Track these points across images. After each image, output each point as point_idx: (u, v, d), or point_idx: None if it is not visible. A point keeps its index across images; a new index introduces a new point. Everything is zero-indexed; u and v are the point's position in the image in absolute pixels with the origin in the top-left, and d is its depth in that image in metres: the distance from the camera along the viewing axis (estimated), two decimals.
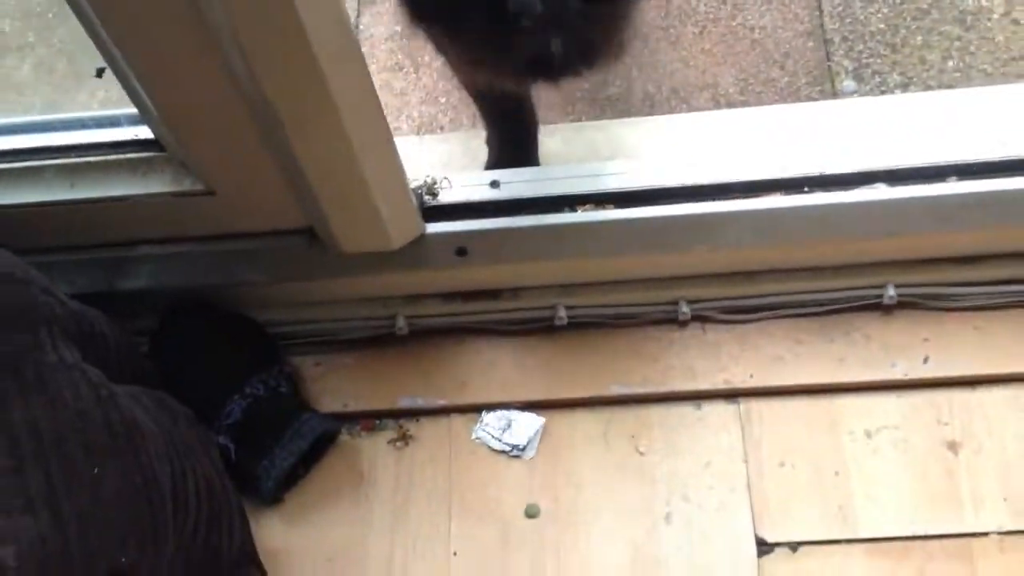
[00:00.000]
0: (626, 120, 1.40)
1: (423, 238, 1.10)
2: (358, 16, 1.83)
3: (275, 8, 0.76)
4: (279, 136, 0.91)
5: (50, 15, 1.90)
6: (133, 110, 0.97)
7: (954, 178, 1.04)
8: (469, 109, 1.69)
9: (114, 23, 0.82)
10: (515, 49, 1.07)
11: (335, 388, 1.20)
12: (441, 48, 1.23)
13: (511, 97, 1.36)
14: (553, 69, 1.11)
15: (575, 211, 1.09)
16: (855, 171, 1.06)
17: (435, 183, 1.12)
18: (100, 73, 0.95)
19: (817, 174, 1.07)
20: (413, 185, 1.09)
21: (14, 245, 0.93)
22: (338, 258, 1.10)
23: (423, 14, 1.09)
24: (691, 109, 1.69)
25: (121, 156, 1.02)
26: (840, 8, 1.74)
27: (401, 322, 1.19)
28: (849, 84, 1.67)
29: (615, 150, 1.28)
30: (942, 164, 1.04)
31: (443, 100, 1.75)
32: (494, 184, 1.12)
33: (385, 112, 0.94)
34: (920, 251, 1.12)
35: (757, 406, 1.16)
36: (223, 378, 1.13)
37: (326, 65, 0.83)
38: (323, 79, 0.84)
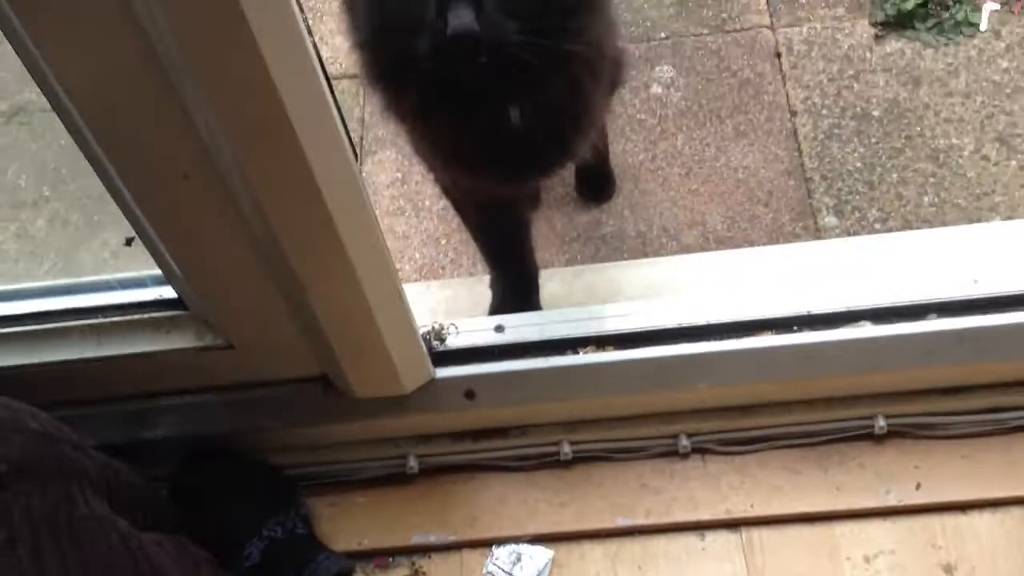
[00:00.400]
0: (621, 263, 1.48)
1: (433, 382, 1.15)
2: (360, 164, 1.92)
3: (295, 177, 0.84)
4: (298, 293, 0.97)
5: (64, 170, 1.99)
6: (157, 271, 1.04)
7: (934, 315, 1.11)
8: (469, 250, 1.77)
9: (144, 197, 0.90)
10: (475, 115, 1.13)
11: (349, 527, 1.23)
12: (414, 142, 1.30)
13: (508, 226, 1.42)
14: (521, 149, 1.17)
15: (577, 353, 1.15)
16: (840, 310, 1.13)
17: (443, 329, 1.18)
18: (129, 242, 1.02)
19: (805, 313, 1.13)
20: (422, 331, 1.15)
21: (43, 400, 0.98)
22: (351, 403, 1.15)
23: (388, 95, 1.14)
24: (681, 246, 1.77)
25: (146, 315, 1.08)
26: (818, 148, 1.84)
27: (412, 461, 1.23)
28: (831, 220, 1.75)
29: (612, 292, 1.35)
30: (922, 302, 1.11)
31: (444, 242, 1.83)
32: (499, 329, 1.18)
33: None
34: (906, 383, 1.17)
35: (759, 534, 1.19)
36: (242, 521, 1.16)
37: (343, 228, 0.90)
38: (340, 241, 0.91)
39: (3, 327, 1.07)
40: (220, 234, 0.93)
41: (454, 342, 1.17)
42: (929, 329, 1.10)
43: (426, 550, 1.23)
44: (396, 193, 1.91)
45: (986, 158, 1.78)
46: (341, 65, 2.09)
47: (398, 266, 1.76)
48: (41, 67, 0.78)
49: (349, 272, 0.94)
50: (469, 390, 1.15)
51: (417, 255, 1.83)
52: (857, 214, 1.76)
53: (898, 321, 1.10)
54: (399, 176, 1.92)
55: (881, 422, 1.19)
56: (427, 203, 1.87)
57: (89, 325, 1.07)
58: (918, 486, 1.19)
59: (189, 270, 0.97)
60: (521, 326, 1.18)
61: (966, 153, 1.79)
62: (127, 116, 0.82)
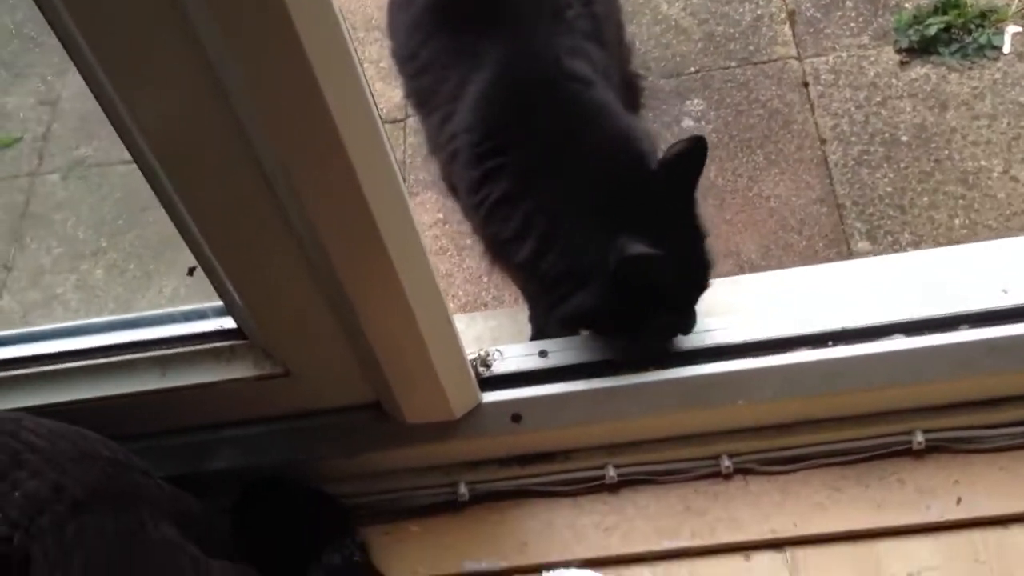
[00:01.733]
0: None
1: (480, 407, 1.19)
2: None
3: (350, 206, 0.89)
4: (353, 321, 1.02)
5: (120, 221, 2.06)
6: (218, 303, 1.09)
7: (965, 326, 1.13)
8: (511, 285, 1.81)
9: (211, 232, 0.95)
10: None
11: (403, 555, 1.26)
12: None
13: None
14: None
15: (618, 374, 1.19)
16: (873, 324, 1.16)
17: (488, 355, 1.22)
18: (191, 272, 1.07)
19: (839, 328, 1.16)
20: (468, 358, 1.19)
21: (109, 433, 1.03)
22: (403, 429, 1.19)
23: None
24: (716, 275, 1.80)
25: (207, 346, 1.13)
26: (849, 175, 1.87)
27: (463, 488, 1.26)
28: (863, 245, 1.78)
29: None
30: (952, 314, 1.14)
31: (486, 280, 1.88)
32: (543, 354, 1.22)
33: None
34: (942, 397, 1.20)
35: (803, 553, 1.21)
36: (301, 550, 1.20)
37: (395, 256, 0.95)
38: (393, 268, 0.96)
39: (72, 361, 1.12)
40: (280, 264, 0.98)
41: (499, 368, 1.22)
42: (960, 340, 1.12)
43: None
44: (438, 233, 1.96)
45: (1015, 179, 1.81)
46: (383, 110, 2.16)
47: None
48: (120, 113, 0.84)
49: (401, 298, 0.99)
50: (515, 413, 1.19)
51: (460, 292, 1.88)
52: (890, 238, 1.78)
53: (930, 333, 1.13)
54: (440, 216, 1.97)
55: (919, 437, 1.21)
56: (468, 242, 1.92)
57: (153, 357, 1.12)
58: (959, 501, 1.20)
59: (249, 299, 1.03)
60: (564, 350, 1.22)
61: (995, 174, 1.82)
62: (197, 152, 0.87)
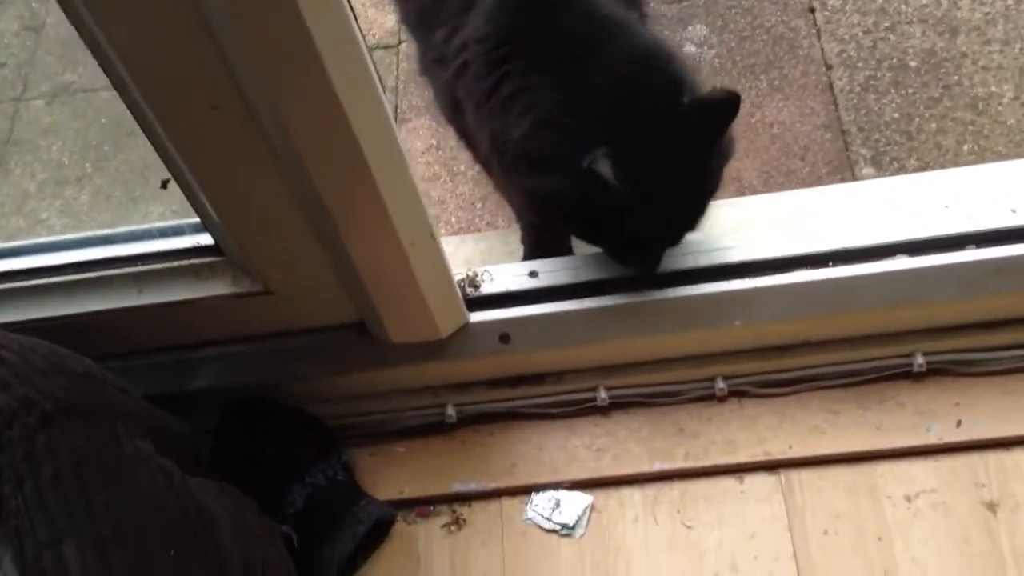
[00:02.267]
0: None
1: (467, 327, 1.16)
2: None
3: (331, 122, 0.85)
4: (333, 236, 0.98)
5: (106, 147, 2.02)
6: (195, 219, 1.05)
7: (972, 246, 1.10)
8: (505, 211, 1.78)
9: (181, 140, 0.91)
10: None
11: (389, 477, 1.25)
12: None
13: None
14: None
15: (611, 294, 1.15)
16: (876, 244, 1.12)
17: (476, 276, 1.19)
18: (165, 184, 1.03)
19: (840, 248, 1.12)
20: (456, 278, 1.16)
21: (86, 351, 1.00)
22: (388, 349, 1.16)
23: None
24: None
25: (184, 262, 1.09)
26: (855, 101, 1.82)
27: (450, 410, 1.24)
28: (868, 171, 1.74)
29: None
30: (959, 234, 1.10)
31: (479, 206, 1.84)
32: (532, 274, 1.19)
33: None
34: (944, 318, 1.16)
35: (798, 476, 1.19)
36: (284, 469, 1.18)
37: (376, 169, 0.91)
38: (374, 182, 0.92)
39: (47, 277, 1.09)
40: (256, 179, 0.94)
41: (488, 288, 1.18)
42: (966, 260, 1.09)
43: (466, 498, 1.23)
44: (431, 159, 1.92)
45: None
46: (375, 36, 2.11)
47: None
48: (90, 27, 0.80)
49: (383, 214, 0.95)
50: (504, 333, 1.16)
51: (454, 219, 1.85)
52: (895, 165, 1.74)
53: (934, 253, 1.10)
54: (434, 143, 1.93)
55: (920, 360, 1.18)
56: (462, 168, 1.88)
57: (129, 273, 1.08)
58: (959, 423, 1.18)
59: (225, 215, 0.99)
60: (555, 271, 1.19)
61: (1005, 100, 1.77)
62: (168, 64, 0.83)
